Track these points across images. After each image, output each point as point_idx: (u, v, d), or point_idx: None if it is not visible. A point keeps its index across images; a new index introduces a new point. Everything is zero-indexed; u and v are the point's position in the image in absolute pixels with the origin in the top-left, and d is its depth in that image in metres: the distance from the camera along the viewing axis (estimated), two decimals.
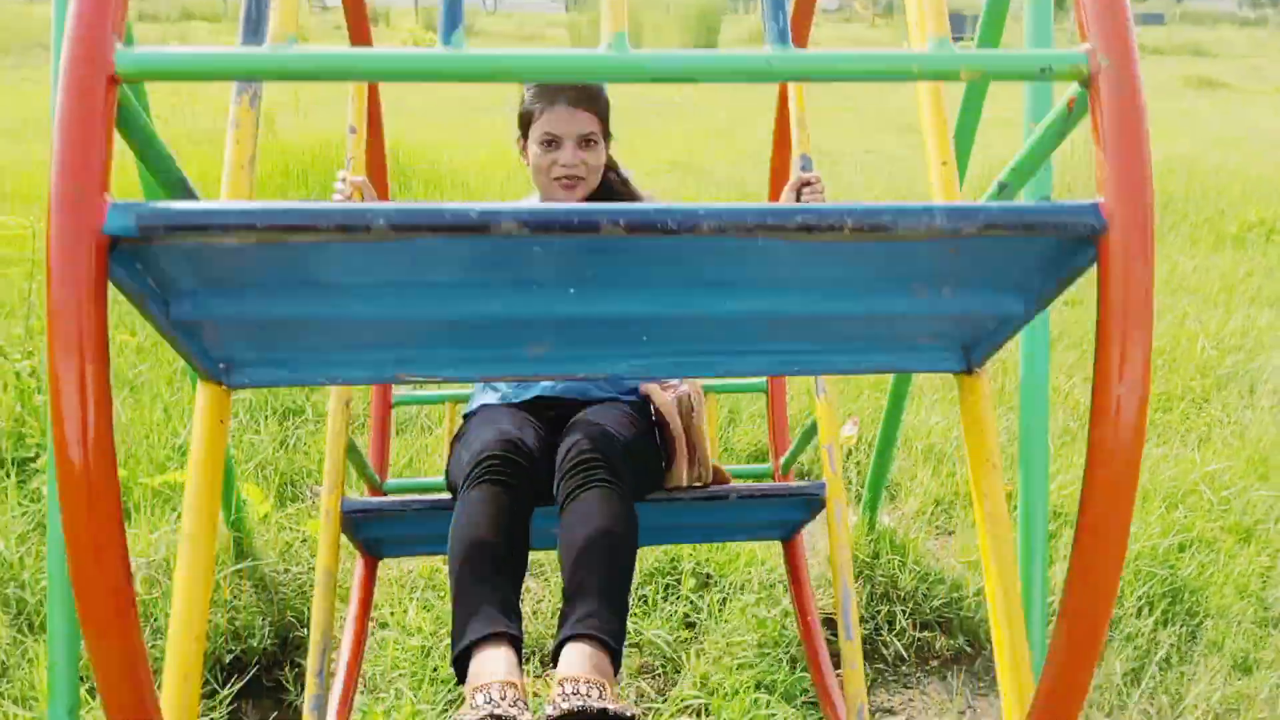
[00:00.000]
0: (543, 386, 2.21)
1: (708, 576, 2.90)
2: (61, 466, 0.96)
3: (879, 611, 2.80)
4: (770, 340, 1.47)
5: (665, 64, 1.05)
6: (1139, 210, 1.01)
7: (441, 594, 2.75)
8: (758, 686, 2.48)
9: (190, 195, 1.23)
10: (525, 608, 2.71)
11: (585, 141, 2.14)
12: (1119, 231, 1.02)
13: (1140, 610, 2.80)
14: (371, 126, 2.41)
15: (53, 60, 1.60)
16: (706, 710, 2.42)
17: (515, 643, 1.66)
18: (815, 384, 2.23)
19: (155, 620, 2.51)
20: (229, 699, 2.36)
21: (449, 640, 1.64)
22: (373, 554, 2.36)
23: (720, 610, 2.74)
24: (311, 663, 1.86)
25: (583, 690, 1.54)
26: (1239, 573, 2.97)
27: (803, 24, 2.51)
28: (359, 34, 2.42)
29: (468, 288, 1.23)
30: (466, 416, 2.22)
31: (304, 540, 2.93)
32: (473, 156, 8.25)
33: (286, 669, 2.50)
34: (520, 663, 1.65)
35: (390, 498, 2.51)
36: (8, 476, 2.97)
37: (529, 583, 2.83)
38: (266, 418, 3.62)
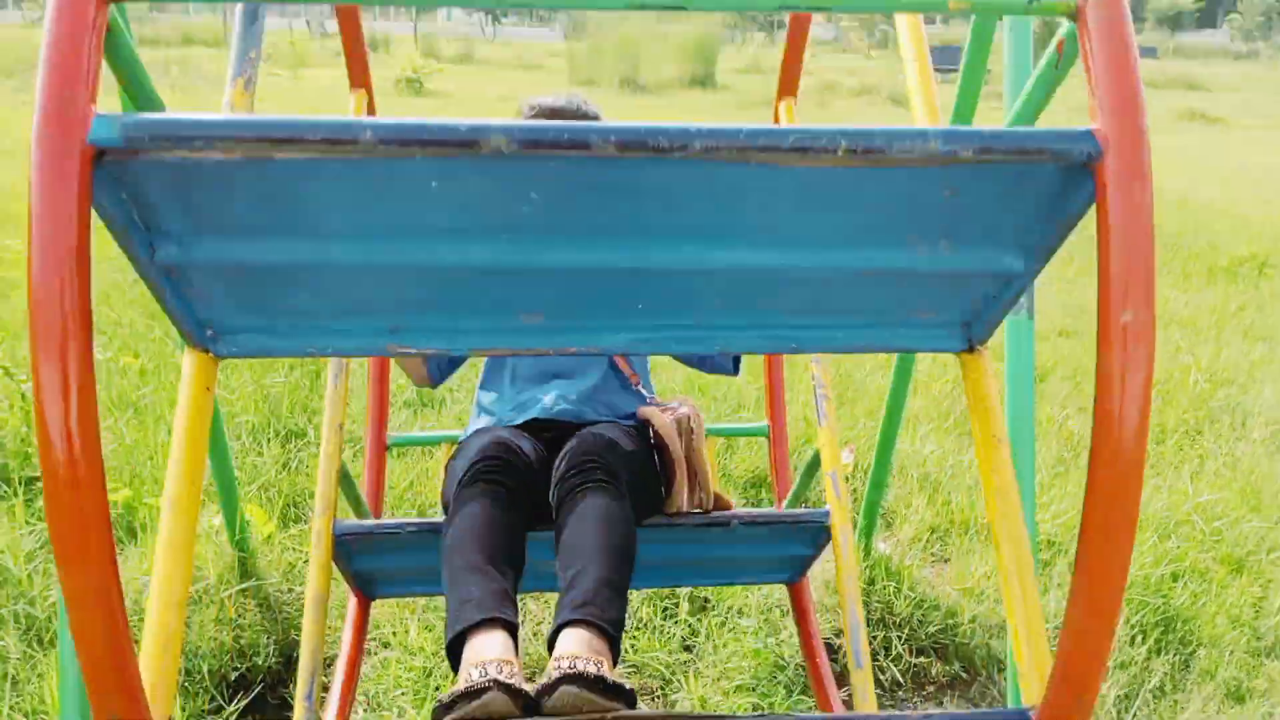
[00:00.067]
0: (539, 408, 2.21)
1: (705, 600, 2.93)
2: (38, 373, 0.95)
3: (875, 637, 2.84)
4: (767, 311, 1.44)
5: None
6: (1133, 133, 1.02)
7: (443, 615, 2.78)
8: (755, 709, 2.50)
9: None
10: (524, 630, 2.74)
11: None
12: (1115, 155, 1.02)
13: (1133, 638, 2.83)
14: None
15: None
16: None
17: (512, 629, 1.61)
18: (816, 411, 2.25)
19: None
20: (234, 715, 2.39)
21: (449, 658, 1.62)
22: (366, 592, 2.32)
23: (719, 632, 2.77)
24: (300, 687, 1.83)
25: (579, 666, 1.49)
26: (1231, 602, 3.01)
27: (796, 54, 2.57)
28: (356, 62, 2.46)
29: (456, 233, 1.21)
30: (461, 443, 2.20)
31: (307, 561, 2.95)
32: None
33: (291, 687, 2.52)
34: (517, 649, 1.60)
35: (385, 521, 2.52)
36: (15, 495, 3.01)
37: (529, 604, 2.86)
38: (269, 440, 3.66)
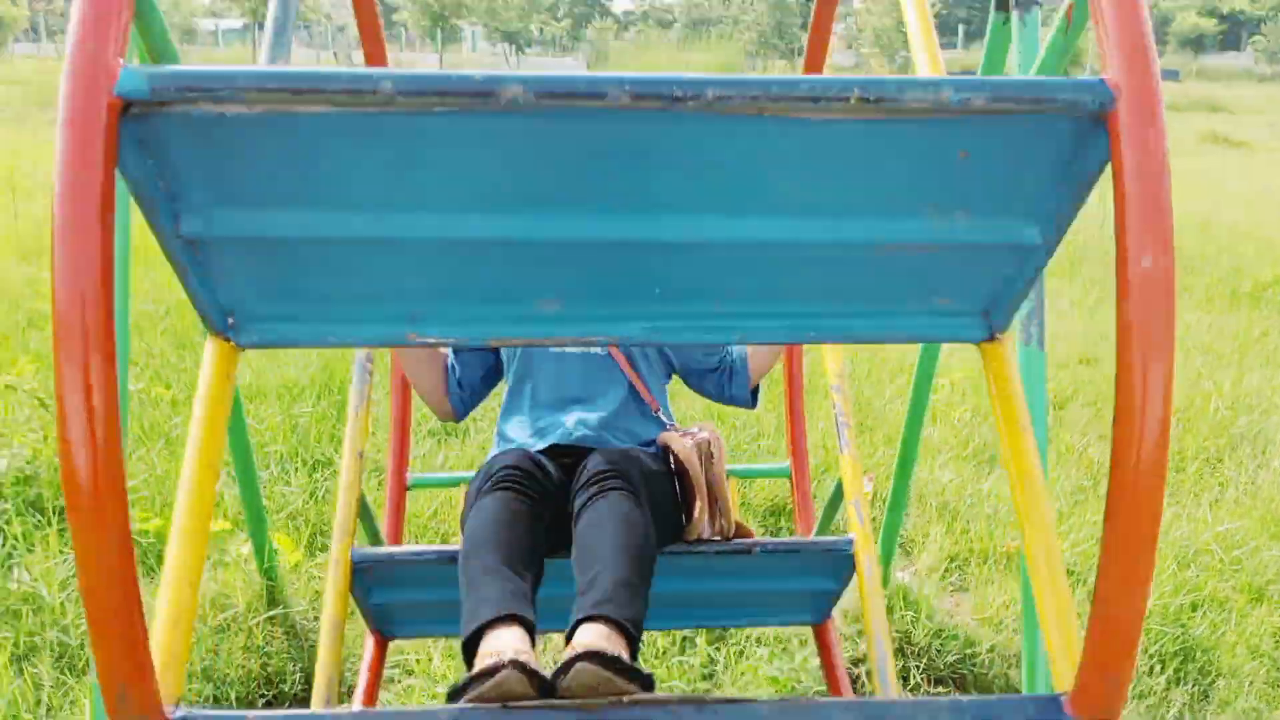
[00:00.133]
0: (560, 433, 2.22)
1: (723, 630, 2.96)
2: (59, 325, 0.96)
3: None
4: (786, 299, 1.42)
5: None
6: (1145, 80, 1.02)
7: None
8: None
9: None
10: (544, 655, 2.78)
11: None
12: (1127, 103, 1.02)
13: (1152, 669, 2.84)
14: None
15: None
16: None
17: (529, 627, 1.57)
18: (839, 439, 2.23)
19: (191, 664, 2.60)
20: None
21: None
22: (384, 630, 2.30)
23: (737, 663, 2.80)
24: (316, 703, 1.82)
25: (597, 646, 1.45)
26: (1251, 632, 3.01)
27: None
28: None
29: (474, 201, 1.21)
30: (482, 465, 2.18)
31: None
32: None
33: None
34: (534, 645, 1.55)
35: (404, 548, 2.53)
36: (49, 524, 3.08)
37: (541, 641, 2.90)
38: (296, 469, 3.72)
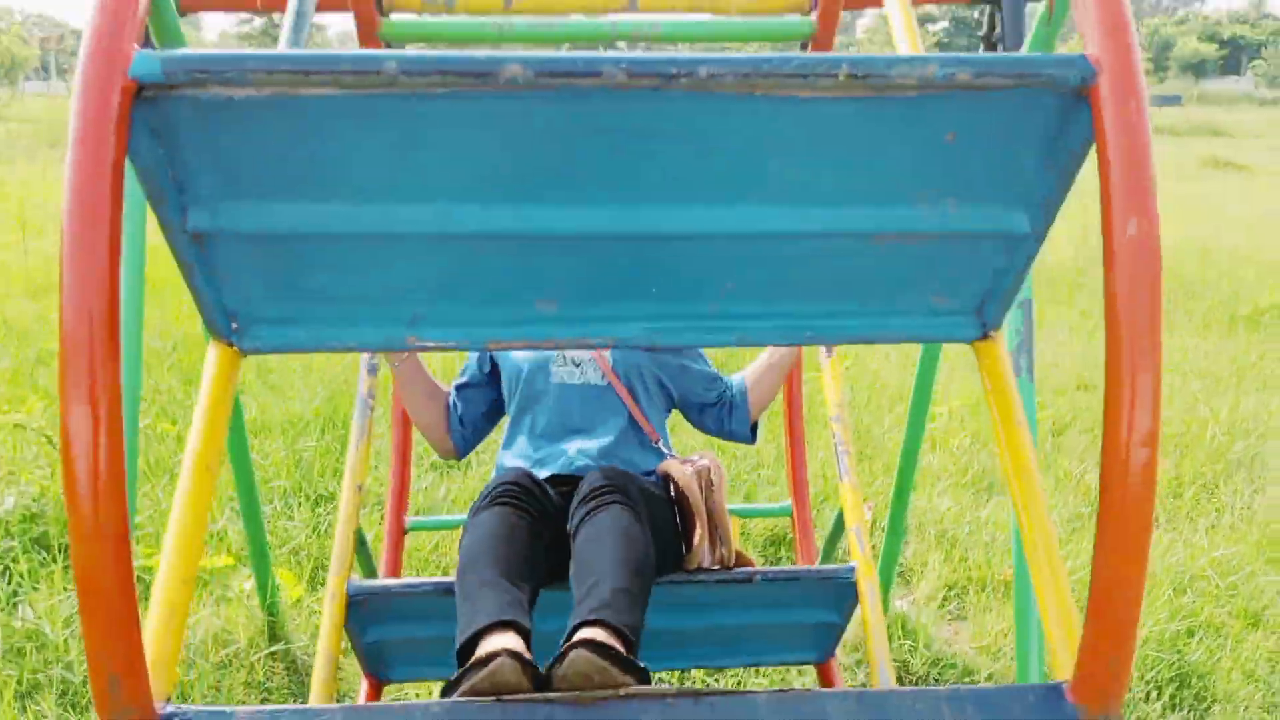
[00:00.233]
0: (560, 462, 2.23)
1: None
2: (67, 303, 0.99)
3: None
4: (782, 298, 1.44)
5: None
6: (1124, 54, 1.06)
7: None
8: None
9: None
10: None
11: None
12: (1108, 76, 1.06)
13: (1149, 694, 2.85)
14: None
15: None
16: None
17: (525, 634, 1.56)
18: (839, 468, 2.24)
19: (188, 697, 2.63)
20: None
21: None
22: (379, 673, 2.26)
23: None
24: None
25: (594, 637, 1.45)
26: (1246, 657, 3.02)
27: None
28: None
29: (475, 190, 1.23)
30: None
31: None
32: None
33: None
34: (529, 650, 1.54)
35: (400, 580, 2.51)
36: (54, 562, 3.12)
37: None
38: (300, 504, 3.76)
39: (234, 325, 1.39)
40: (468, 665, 1.41)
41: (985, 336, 1.50)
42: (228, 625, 2.92)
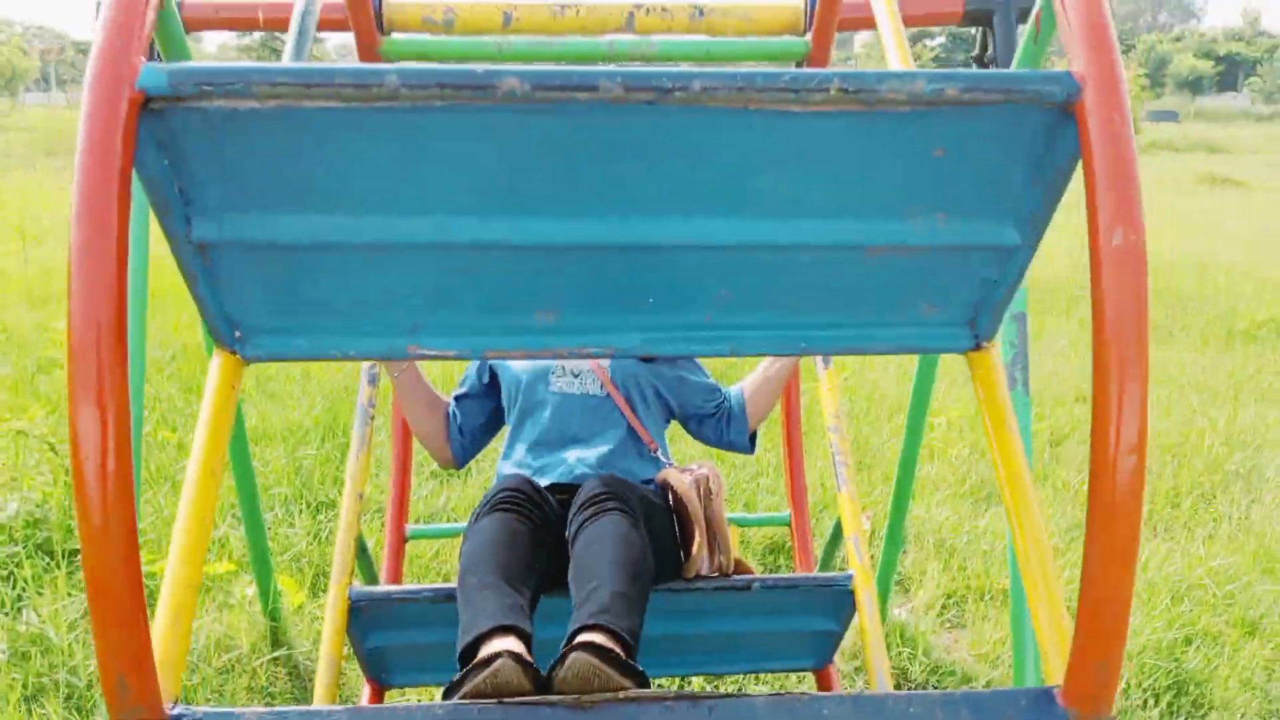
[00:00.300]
0: (560, 471, 2.25)
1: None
2: (76, 309, 1.01)
3: None
4: (775, 309, 1.45)
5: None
6: (1108, 69, 1.09)
7: None
8: None
9: None
10: None
11: None
12: (1092, 90, 1.09)
13: (1146, 702, 2.86)
14: None
15: None
16: None
17: (526, 639, 1.57)
18: (837, 478, 2.25)
19: (192, 701, 2.63)
20: None
21: None
22: (380, 679, 2.27)
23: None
24: None
25: (594, 640, 1.47)
26: (1243, 666, 3.03)
27: None
28: None
29: (475, 201, 1.25)
30: None
31: None
32: None
33: None
34: (531, 654, 1.56)
35: (401, 586, 2.53)
36: (58, 568, 3.13)
37: None
38: (301, 511, 3.77)
39: (237, 334, 1.41)
40: (469, 667, 1.43)
41: (979, 347, 1.51)
42: (230, 631, 2.93)
